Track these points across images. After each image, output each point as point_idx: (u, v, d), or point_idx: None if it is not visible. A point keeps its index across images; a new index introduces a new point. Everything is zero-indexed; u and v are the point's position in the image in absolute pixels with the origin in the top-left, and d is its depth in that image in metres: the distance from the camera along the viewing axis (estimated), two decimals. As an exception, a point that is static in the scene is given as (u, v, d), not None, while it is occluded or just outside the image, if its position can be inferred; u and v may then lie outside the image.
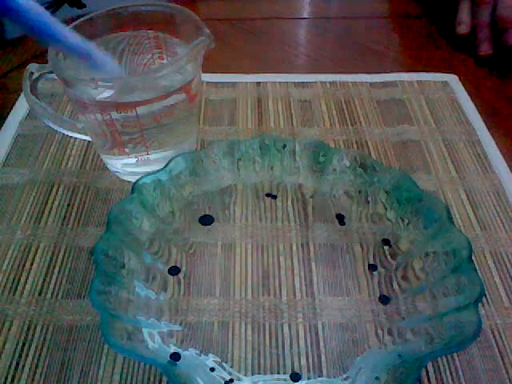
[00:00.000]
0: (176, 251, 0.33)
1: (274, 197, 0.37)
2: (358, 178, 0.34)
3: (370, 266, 0.33)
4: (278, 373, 0.28)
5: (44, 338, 0.29)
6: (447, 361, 0.28)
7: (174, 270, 0.32)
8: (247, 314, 0.30)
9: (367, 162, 0.34)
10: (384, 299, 0.31)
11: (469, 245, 0.28)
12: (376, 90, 0.48)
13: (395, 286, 0.32)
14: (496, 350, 0.29)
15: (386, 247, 0.33)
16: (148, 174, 0.32)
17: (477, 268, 0.32)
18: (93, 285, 0.25)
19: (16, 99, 0.46)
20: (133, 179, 0.32)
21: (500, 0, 0.50)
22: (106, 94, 0.32)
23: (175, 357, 0.28)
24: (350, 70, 0.50)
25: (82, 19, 0.35)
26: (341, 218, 0.35)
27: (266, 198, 0.37)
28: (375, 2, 0.65)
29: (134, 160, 0.37)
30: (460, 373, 0.28)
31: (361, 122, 0.44)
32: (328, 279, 0.32)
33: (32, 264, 0.33)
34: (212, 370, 0.28)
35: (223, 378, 0.27)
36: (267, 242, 0.34)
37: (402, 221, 0.32)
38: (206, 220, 0.35)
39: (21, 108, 0.45)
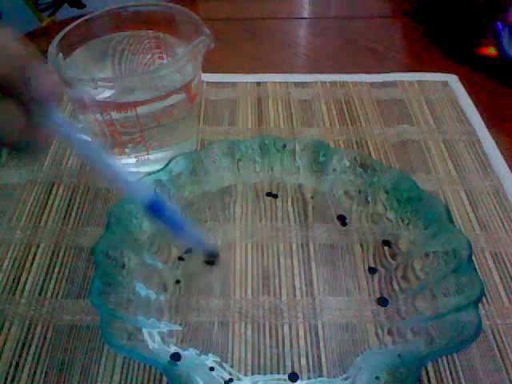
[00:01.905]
0: (176, 251, 0.33)
1: (275, 196, 0.37)
2: (357, 178, 0.34)
3: (369, 268, 0.33)
4: (278, 373, 0.28)
5: (44, 338, 0.29)
6: (447, 361, 0.28)
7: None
8: (247, 313, 0.30)
9: (367, 162, 0.34)
10: (384, 300, 0.31)
11: (469, 245, 0.28)
12: (376, 89, 0.48)
13: (395, 286, 0.32)
14: (496, 350, 0.29)
15: (385, 248, 0.33)
16: (148, 173, 0.32)
17: (477, 268, 0.32)
18: (93, 285, 0.25)
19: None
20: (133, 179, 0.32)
21: None
22: (106, 94, 0.32)
23: (175, 357, 0.28)
24: (349, 70, 0.50)
25: (82, 19, 0.35)
26: (343, 219, 0.35)
27: (266, 197, 0.37)
28: (375, 2, 0.65)
29: (133, 160, 0.37)
30: (460, 373, 0.28)
31: (361, 122, 0.44)
32: (328, 279, 0.32)
33: (32, 264, 0.33)
34: (212, 369, 0.28)
35: (223, 378, 0.27)
36: (267, 242, 0.34)
37: (402, 221, 0.32)
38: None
39: (21, 108, 0.45)
